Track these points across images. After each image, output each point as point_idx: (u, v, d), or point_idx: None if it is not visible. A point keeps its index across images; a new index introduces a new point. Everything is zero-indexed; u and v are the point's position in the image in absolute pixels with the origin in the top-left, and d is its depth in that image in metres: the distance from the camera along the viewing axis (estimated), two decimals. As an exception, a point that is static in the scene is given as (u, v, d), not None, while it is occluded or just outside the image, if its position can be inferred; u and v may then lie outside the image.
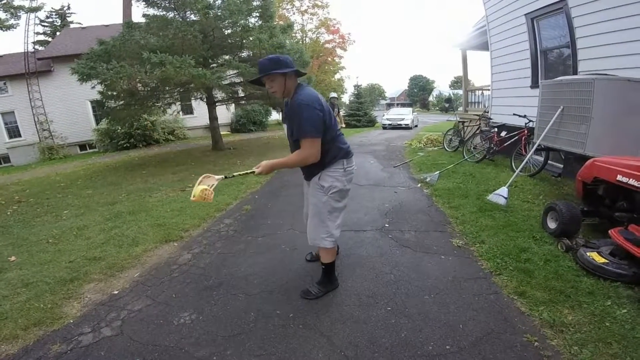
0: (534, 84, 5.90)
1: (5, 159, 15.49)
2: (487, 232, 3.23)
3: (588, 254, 2.47)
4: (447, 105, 42.36)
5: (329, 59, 28.77)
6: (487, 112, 7.94)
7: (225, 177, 2.22)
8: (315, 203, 2.27)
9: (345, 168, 2.24)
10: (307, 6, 26.39)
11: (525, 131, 5.51)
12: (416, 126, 19.30)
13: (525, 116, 5.51)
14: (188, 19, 9.10)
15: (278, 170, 6.96)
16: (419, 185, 5.25)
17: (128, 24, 9.47)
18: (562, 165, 5.11)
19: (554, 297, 2.17)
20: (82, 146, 16.92)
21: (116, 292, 2.66)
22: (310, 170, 2.26)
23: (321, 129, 2.06)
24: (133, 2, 12.66)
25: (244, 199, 5.14)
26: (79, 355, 1.97)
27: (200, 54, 8.63)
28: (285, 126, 2.33)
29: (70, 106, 16.11)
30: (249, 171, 2.15)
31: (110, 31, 10.79)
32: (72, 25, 28.06)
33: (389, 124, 17.80)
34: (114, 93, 8.91)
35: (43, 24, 29.28)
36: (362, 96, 25.61)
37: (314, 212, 2.29)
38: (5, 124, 16.00)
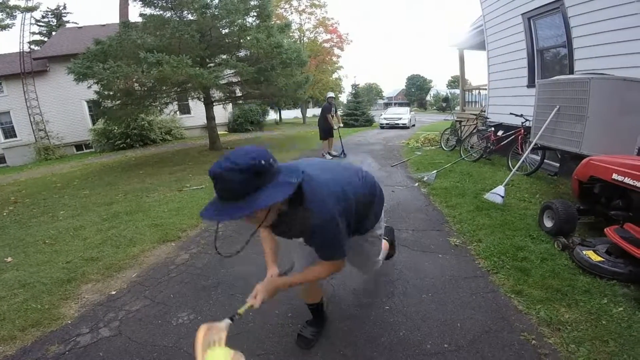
0: (531, 84, 5.93)
1: (1, 159, 15.37)
2: (484, 231, 3.25)
3: (584, 252, 2.49)
4: (444, 104, 42.45)
5: (327, 58, 28.72)
6: (484, 112, 7.96)
7: (232, 320, 1.43)
8: (376, 254, 1.95)
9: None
10: (305, 5, 26.34)
11: (522, 130, 5.54)
12: (414, 125, 19.34)
13: (521, 115, 5.53)
14: (185, 19, 9.07)
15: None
16: (417, 184, 5.26)
17: (125, 23, 9.43)
18: (558, 164, 5.14)
19: (550, 296, 2.19)
20: (79, 146, 16.82)
21: (114, 293, 2.65)
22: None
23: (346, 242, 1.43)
24: (130, 1, 12.51)
25: (241, 198, 5.12)
26: (77, 355, 1.96)
27: (197, 54, 8.60)
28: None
29: (66, 106, 16.01)
30: (247, 305, 1.48)
31: (106, 31, 10.75)
32: (68, 25, 27.89)
33: (387, 124, 17.84)
34: (111, 93, 8.88)
35: (39, 23, 29.15)
36: (359, 95, 25.66)
37: (372, 264, 1.98)
38: (1, 124, 15.88)
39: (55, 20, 30.95)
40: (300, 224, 1.37)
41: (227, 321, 1.42)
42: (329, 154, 7.85)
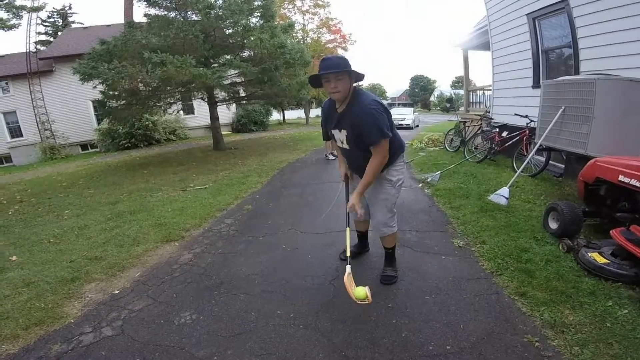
0: (536, 84, 5.88)
1: (7, 158, 15.55)
2: (488, 233, 3.22)
3: (589, 254, 2.46)
4: (448, 105, 42.30)
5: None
6: (489, 112, 7.92)
7: (349, 263, 2.21)
8: (386, 197, 2.37)
9: (404, 161, 2.46)
10: (309, 6, 26.34)
11: (527, 131, 5.50)
12: (417, 126, 19.28)
13: (526, 116, 5.50)
14: (189, 19, 9.12)
15: (281, 173, 7.03)
16: (420, 185, 5.24)
17: (130, 23, 9.52)
18: (563, 166, 5.10)
19: (555, 298, 2.17)
20: (84, 146, 16.96)
21: (117, 292, 2.66)
22: None
23: (390, 128, 2.12)
24: (135, 2, 12.66)
25: (244, 198, 5.14)
26: (79, 354, 1.97)
27: (201, 54, 8.64)
28: (339, 132, 2.28)
29: (71, 106, 16.16)
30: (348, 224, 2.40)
31: (111, 31, 10.81)
32: (73, 25, 28.14)
33: (390, 124, 17.74)
34: (116, 93, 8.94)
35: (45, 24, 29.41)
36: None
37: (383, 205, 2.39)
38: (7, 123, 16.06)
39: (61, 21, 31.24)
40: (356, 114, 2.08)
41: (348, 267, 2.17)
42: (332, 154, 7.84)
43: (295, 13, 26.13)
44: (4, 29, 13.84)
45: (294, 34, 21.09)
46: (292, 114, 34.11)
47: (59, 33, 23.62)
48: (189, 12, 9.22)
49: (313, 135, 14.60)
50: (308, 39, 26.71)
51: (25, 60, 15.41)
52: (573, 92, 3.74)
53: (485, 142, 6.78)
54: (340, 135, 2.25)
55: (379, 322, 2.10)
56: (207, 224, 4.13)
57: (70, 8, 32.01)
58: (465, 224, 3.53)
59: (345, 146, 2.28)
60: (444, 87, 60.32)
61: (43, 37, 27.07)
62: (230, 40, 9.70)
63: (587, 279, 2.33)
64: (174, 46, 8.05)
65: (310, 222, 3.89)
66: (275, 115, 24.83)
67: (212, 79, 7.83)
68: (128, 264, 3.13)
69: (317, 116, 27.56)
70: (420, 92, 61.15)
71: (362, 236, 2.98)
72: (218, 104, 11.23)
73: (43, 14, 24.73)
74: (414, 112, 20.74)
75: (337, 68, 2.00)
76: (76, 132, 16.40)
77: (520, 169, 4.56)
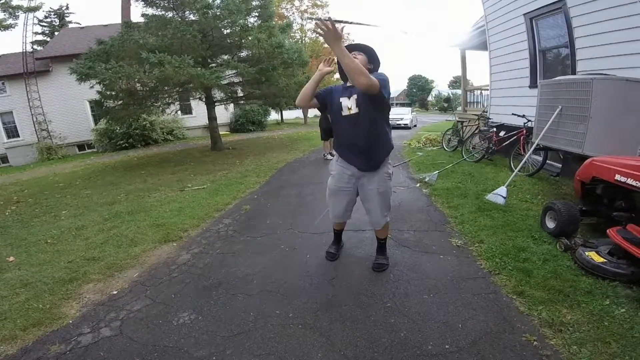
0: (533, 84, 5.91)
1: (4, 159, 15.43)
2: (486, 232, 3.24)
3: (586, 253, 2.48)
4: (446, 105, 42.39)
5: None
6: (486, 112, 7.94)
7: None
8: (386, 190, 2.55)
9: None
10: (307, 6, 26.36)
11: (524, 131, 5.53)
12: (415, 126, 19.29)
13: (524, 116, 5.52)
14: (187, 19, 9.07)
15: (279, 173, 7.08)
16: (418, 185, 5.25)
17: (127, 23, 9.47)
18: (560, 165, 5.13)
19: (552, 297, 2.18)
20: (81, 146, 16.87)
21: (115, 293, 2.65)
22: (378, 157, 2.45)
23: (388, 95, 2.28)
24: (132, 1, 12.57)
25: (243, 199, 5.13)
26: (78, 355, 1.97)
27: (199, 54, 8.61)
28: (344, 101, 2.39)
29: (68, 106, 16.05)
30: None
31: (109, 31, 10.78)
32: (70, 25, 28.03)
33: (388, 124, 17.74)
34: (113, 93, 8.90)
35: (41, 23, 29.22)
36: None
37: (383, 198, 2.54)
38: (4, 124, 15.93)
39: (58, 21, 31.07)
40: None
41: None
42: (330, 154, 7.84)
43: (293, 13, 26.16)
44: (0, 29, 13.76)
45: (292, 34, 21.07)
46: (290, 114, 34.05)
47: (56, 33, 23.52)
48: (187, 12, 9.17)
49: (311, 135, 14.60)
50: (306, 38, 26.72)
51: (22, 60, 15.29)
52: (570, 91, 3.76)
53: (482, 142, 6.80)
54: (349, 102, 2.34)
55: (378, 321, 2.11)
56: (206, 224, 4.12)
57: (67, 8, 31.84)
58: (463, 223, 3.54)
59: (354, 111, 2.33)
60: (441, 87, 60.48)
61: (40, 37, 26.89)
62: (228, 40, 9.67)
63: (584, 278, 2.34)
64: (172, 46, 8.01)
65: (308, 222, 3.89)
66: (274, 115, 24.79)
67: (210, 79, 7.80)
68: (126, 264, 3.12)
69: (316, 116, 27.57)
70: (418, 91, 61.25)
71: (339, 234, 3.10)
72: (216, 104, 11.19)
73: (40, 14, 24.59)
74: (412, 111, 20.74)
75: (359, 47, 2.44)
76: (73, 132, 16.29)
77: (518, 169, 4.58)
